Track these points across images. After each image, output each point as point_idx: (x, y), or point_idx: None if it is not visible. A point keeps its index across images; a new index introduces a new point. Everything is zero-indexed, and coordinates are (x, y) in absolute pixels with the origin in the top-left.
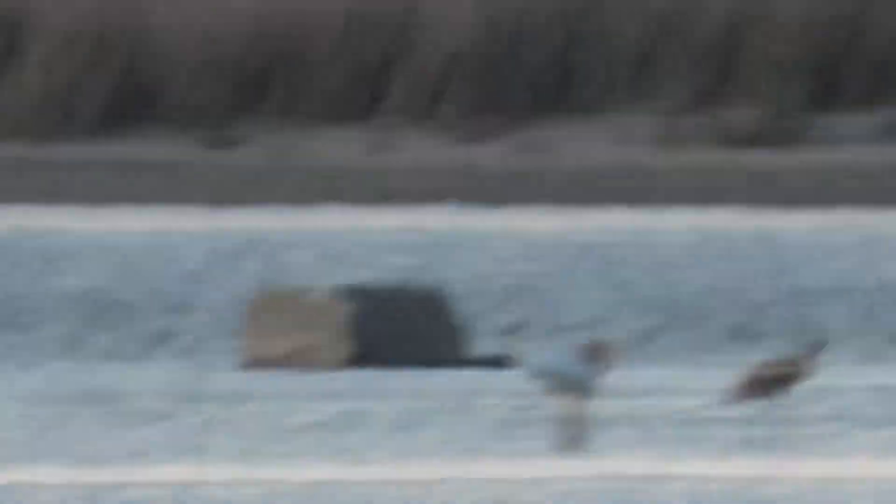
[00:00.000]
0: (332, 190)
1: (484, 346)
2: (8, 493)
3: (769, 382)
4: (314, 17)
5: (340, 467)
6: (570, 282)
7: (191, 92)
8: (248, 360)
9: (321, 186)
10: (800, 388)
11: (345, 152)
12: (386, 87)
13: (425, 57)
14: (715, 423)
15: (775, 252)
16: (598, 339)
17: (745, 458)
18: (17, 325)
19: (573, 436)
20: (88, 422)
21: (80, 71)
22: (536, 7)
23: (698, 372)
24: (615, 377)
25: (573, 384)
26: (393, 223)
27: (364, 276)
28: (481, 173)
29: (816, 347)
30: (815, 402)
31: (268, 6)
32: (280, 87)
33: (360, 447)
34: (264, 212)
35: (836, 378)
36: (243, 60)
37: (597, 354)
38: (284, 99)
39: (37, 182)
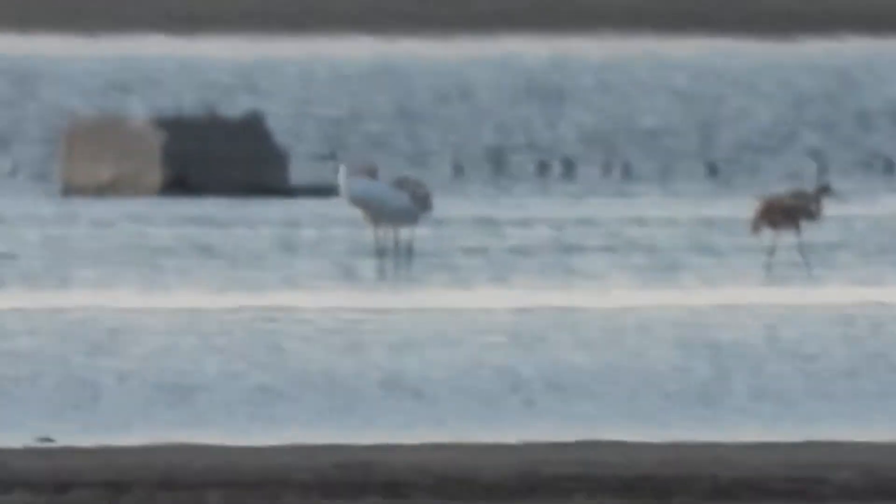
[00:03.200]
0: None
1: (300, 173)
2: None
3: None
4: None
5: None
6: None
7: None
8: (66, 187)
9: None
10: None
11: None
12: None
13: None
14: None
15: None
16: (408, 175)
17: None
18: None
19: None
20: None
21: None
22: None
23: None
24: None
25: (397, 213)
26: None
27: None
28: None
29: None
30: None
31: None
32: None
33: (166, 277)
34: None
35: None
36: None
37: (410, 189)
38: None
39: None
